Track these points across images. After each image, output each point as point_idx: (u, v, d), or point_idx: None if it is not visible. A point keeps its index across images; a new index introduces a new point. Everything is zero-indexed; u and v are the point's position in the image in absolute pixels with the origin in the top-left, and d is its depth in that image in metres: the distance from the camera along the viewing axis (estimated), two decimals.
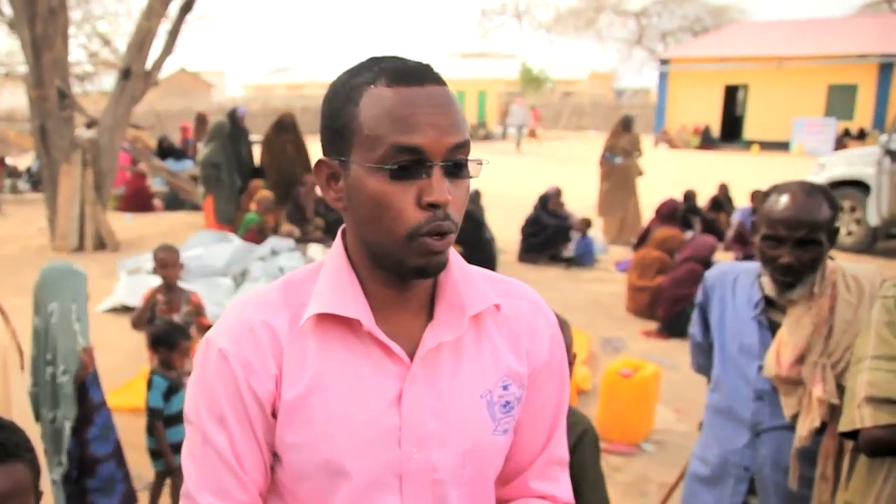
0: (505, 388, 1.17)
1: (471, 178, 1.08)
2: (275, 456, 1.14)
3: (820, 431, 1.96)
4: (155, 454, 3.61)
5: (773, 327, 2.07)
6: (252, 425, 1.09)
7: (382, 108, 1.01)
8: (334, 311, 1.08)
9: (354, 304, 1.09)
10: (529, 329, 1.21)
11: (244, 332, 1.09)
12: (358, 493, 1.10)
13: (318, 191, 1.19)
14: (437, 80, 1.05)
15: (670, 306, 6.61)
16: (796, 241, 1.93)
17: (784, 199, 1.95)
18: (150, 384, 3.56)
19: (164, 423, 3.53)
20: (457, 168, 1.04)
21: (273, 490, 1.18)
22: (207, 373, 1.10)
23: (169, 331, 3.70)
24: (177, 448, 3.49)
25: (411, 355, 1.11)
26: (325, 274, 1.12)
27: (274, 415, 1.10)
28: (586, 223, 9.46)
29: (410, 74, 1.03)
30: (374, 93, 1.03)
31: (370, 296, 1.11)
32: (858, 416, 1.67)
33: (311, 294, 1.11)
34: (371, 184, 1.02)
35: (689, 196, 9.86)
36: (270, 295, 1.13)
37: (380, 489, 1.10)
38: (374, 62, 1.07)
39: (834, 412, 1.92)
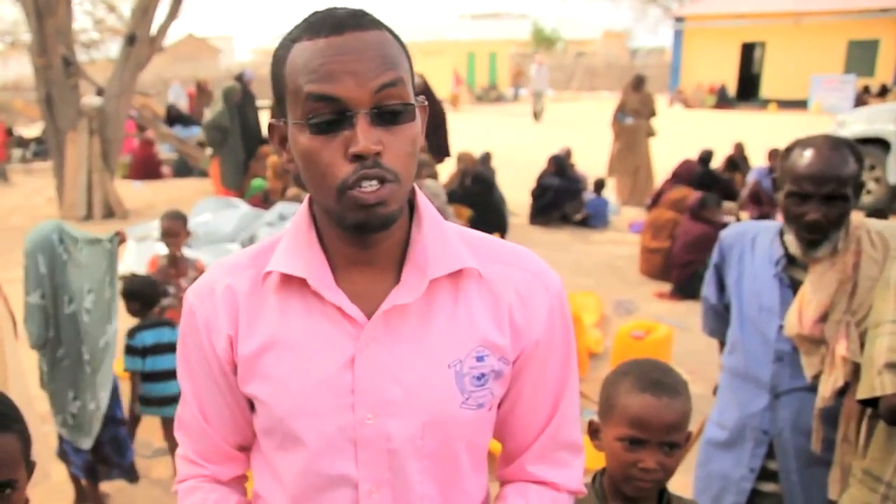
0: (479, 358, 1.10)
1: (412, 122, 1.00)
2: (252, 406, 1.17)
3: (842, 392, 1.90)
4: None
5: (794, 286, 2.00)
6: (216, 379, 1.15)
7: (299, 62, 0.98)
8: (285, 270, 1.07)
9: (306, 264, 1.07)
10: (520, 300, 1.12)
11: (207, 292, 1.13)
12: (311, 457, 1.08)
13: None
14: (358, 26, 0.97)
15: (682, 269, 6.51)
16: (822, 197, 1.86)
17: (808, 154, 1.87)
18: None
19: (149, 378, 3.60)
20: (392, 115, 0.98)
21: (255, 445, 1.22)
22: (184, 328, 1.17)
23: (146, 286, 3.70)
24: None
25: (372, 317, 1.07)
26: (288, 234, 1.12)
27: (235, 373, 1.14)
28: (599, 183, 9.32)
29: (328, 25, 0.98)
30: (296, 48, 1.00)
31: (333, 255, 1.09)
32: (879, 383, 1.60)
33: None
34: (301, 141, 1.00)
35: (706, 158, 9.59)
36: (241, 257, 1.16)
37: (334, 454, 1.08)
38: (307, 17, 1.03)
39: (857, 372, 1.84)
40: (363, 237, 1.05)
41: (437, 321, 1.08)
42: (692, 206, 6.75)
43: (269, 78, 1.07)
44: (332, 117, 0.96)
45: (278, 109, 1.05)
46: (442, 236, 1.10)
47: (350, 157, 0.96)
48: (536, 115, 22.08)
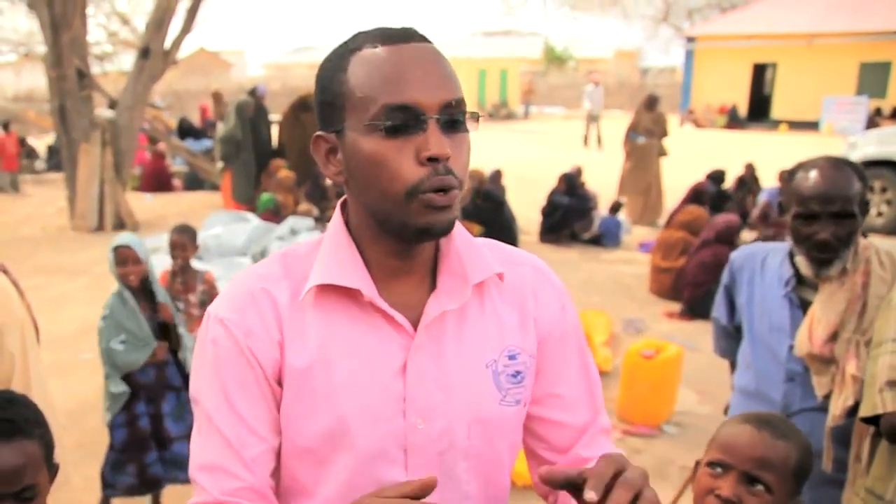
0: (511, 357, 1.15)
1: (469, 132, 1.04)
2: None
3: (853, 411, 1.90)
4: None
5: (804, 306, 2.02)
6: (260, 390, 1.07)
7: (370, 67, 1.00)
8: (335, 282, 1.07)
9: (355, 274, 1.08)
10: (535, 295, 1.19)
11: (245, 300, 1.08)
12: (361, 465, 1.08)
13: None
14: (422, 38, 1.04)
15: (694, 288, 6.47)
16: (830, 216, 1.88)
17: (813, 175, 1.91)
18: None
19: None
20: (453, 123, 1.02)
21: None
22: (209, 345, 1.09)
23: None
24: None
25: (415, 325, 1.09)
26: (326, 246, 1.11)
27: (279, 383, 1.09)
28: (616, 206, 9.31)
29: (394, 34, 1.02)
30: (361, 56, 1.02)
31: (372, 266, 1.10)
32: (880, 401, 1.62)
33: (311, 267, 1.10)
34: (367, 145, 1.00)
35: (718, 177, 9.57)
36: (271, 266, 1.13)
37: (384, 461, 1.09)
38: (358, 33, 1.06)
39: None
40: (412, 246, 1.07)
41: (469, 324, 1.13)
42: (720, 232, 6.63)
43: (318, 90, 1.06)
44: (404, 122, 0.98)
45: (327, 120, 1.06)
46: (471, 244, 1.15)
47: (423, 160, 0.98)
48: (587, 140, 19.25)
